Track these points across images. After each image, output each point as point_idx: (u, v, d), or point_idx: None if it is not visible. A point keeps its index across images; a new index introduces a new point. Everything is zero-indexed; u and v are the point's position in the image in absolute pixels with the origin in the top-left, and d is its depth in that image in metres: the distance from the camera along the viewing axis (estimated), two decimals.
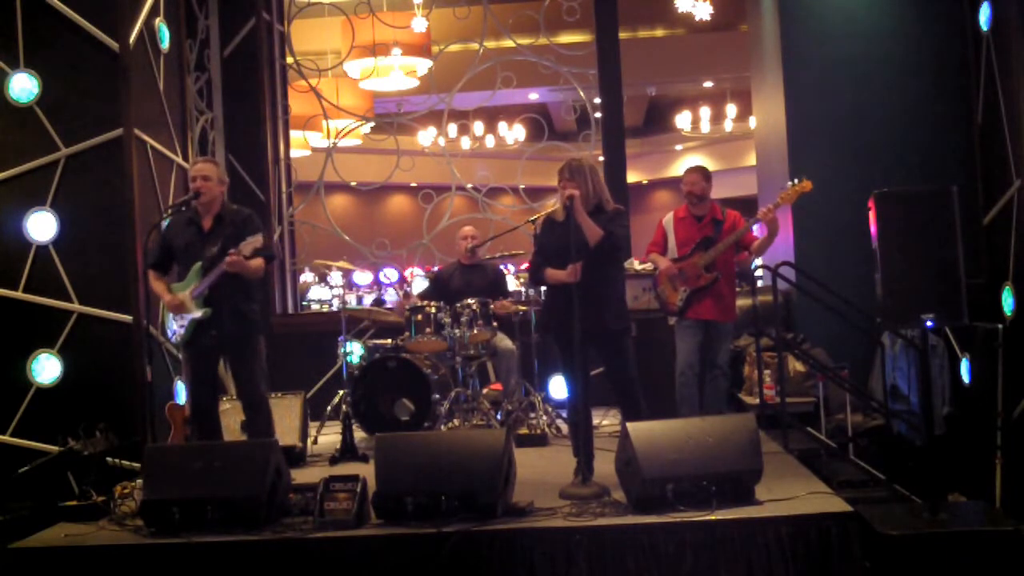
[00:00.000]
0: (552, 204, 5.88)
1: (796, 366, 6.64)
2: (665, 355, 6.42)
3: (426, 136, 13.71)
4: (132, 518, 4.56)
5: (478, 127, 15.88)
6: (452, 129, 14.31)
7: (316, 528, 4.22)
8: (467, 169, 9.70)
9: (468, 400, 6.41)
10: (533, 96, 14.27)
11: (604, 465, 4.77)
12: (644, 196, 21.58)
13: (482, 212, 8.65)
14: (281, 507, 4.45)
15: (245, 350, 5.20)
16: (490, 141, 17.12)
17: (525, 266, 9.04)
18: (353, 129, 9.31)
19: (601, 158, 8.52)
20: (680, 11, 9.98)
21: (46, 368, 5.72)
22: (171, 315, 5.20)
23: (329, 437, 6.79)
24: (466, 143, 15.92)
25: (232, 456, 4.54)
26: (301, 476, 5.23)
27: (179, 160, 6.47)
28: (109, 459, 5.45)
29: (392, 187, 17.73)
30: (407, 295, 8.34)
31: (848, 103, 7.34)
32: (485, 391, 6.81)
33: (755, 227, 6.02)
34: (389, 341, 6.90)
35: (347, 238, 8.79)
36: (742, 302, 6.57)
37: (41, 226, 5.75)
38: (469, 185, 8.71)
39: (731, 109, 16.54)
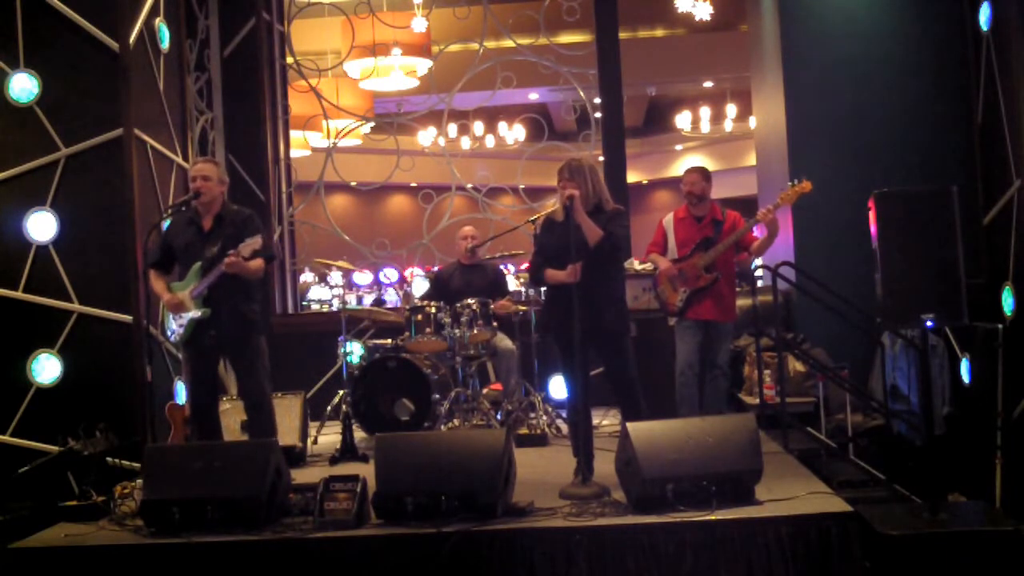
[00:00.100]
0: (552, 204, 5.88)
1: (796, 366, 6.64)
2: (665, 355, 6.43)
3: (426, 136, 13.71)
4: (132, 518, 4.55)
5: (478, 127, 15.88)
6: (452, 129, 14.31)
7: (316, 528, 4.22)
8: (467, 169, 9.70)
9: (468, 400, 6.42)
10: (533, 96, 14.26)
11: (604, 465, 4.77)
12: (644, 196, 21.58)
13: (482, 212, 8.65)
14: (281, 507, 4.45)
15: (245, 350, 5.20)
16: (490, 141, 17.12)
17: (525, 266, 9.04)
18: (353, 129, 9.31)
19: (601, 158, 8.51)
20: (680, 11, 9.98)
21: (46, 368, 5.72)
22: (171, 314, 5.20)
23: (329, 437, 6.79)
24: (466, 143, 15.92)
25: (232, 456, 4.54)
26: (301, 476, 5.23)
27: (179, 160, 6.47)
28: (109, 459, 5.45)
29: (392, 187, 17.72)
30: (407, 296, 8.34)
31: (848, 103, 7.34)
32: (485, 391, 6.81)
33: (755, 228, 6.02)
34: (389, 341, 6.90)
35: (347, 238, 8.79)
36: (742, 302, 6.57)
37: (41, 226, 5.75)
38: (469, 185, 8.71)
39: (731, 109, 16.54)
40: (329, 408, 7.09)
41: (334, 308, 13.28)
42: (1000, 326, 5.77)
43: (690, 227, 6.07)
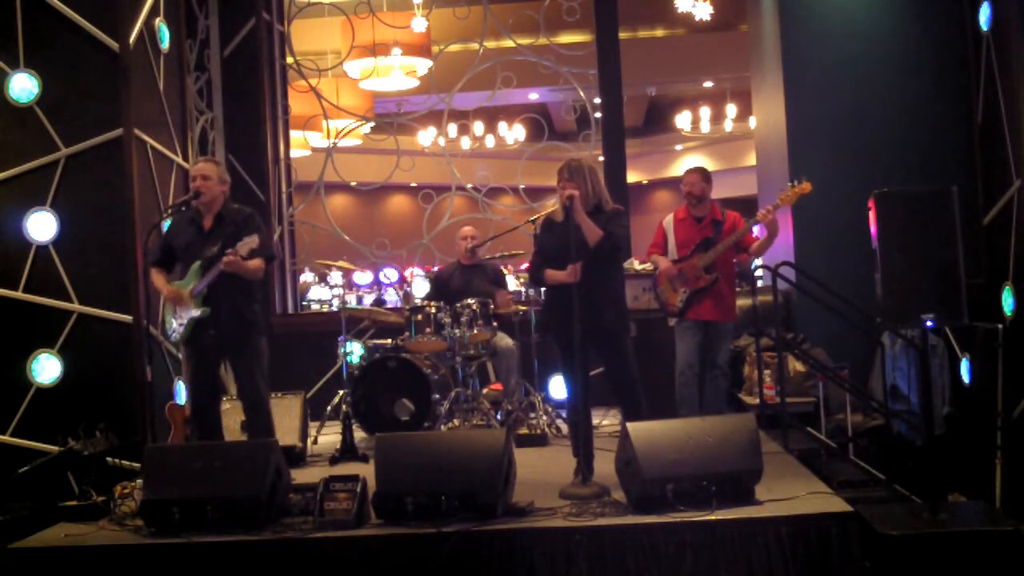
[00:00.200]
0: (552, 204, 5.88)
1: (796, 366, 6.64)
2: (665, 355, 6.43)
3: (426, 136, 13.71)
4: (132, 518, 4.55)
5: (478, 127, 15.88)
6: (452, 129, 14.31)
7: (316, 528, 4.22)
8: (467, 169, 9.70)
9: (468, 400, 6.42)
10: (533, 96, 14.26)
11: (604, 465, 4.77)
12: (644, 196, 21.58)
13: (482, 212, 8.65)
14: (281, 507, 4.45)
15: (245, 350, 5.19)
16: (490, 141, 17.12)
17: (525, 266, 9.04)
18: (353, 129, 9.31)
19: (601, 158, 8.51)
20: (680, 11, 9.98)
21: (46, 368, 5.72)
22: (171, 314, 5.20)
23: (329, 437, 6.79)
24: (466, 143, 15.92)
25: (232, 456, 4.54)
26: (301, 476, 5.23)
27: (179, 160, 6.47)
28: (109, 459, 5.45)
29: (392, 187, 17.73)
30: (407, 296, 8.35)
31: (848, 103, 7.34)
32: (485, 391, 6.81)
33: (755, 228, 6.02)
34: (389, 341, 6.90)
35: (347, 238, 8.79)
36: (742, 302, 6.57)
37: (41, 226, 5.75)
38: (469, 185, 8.71)
39: (731, 109, 16.54)
40: (329, 408, 7.09)
41: (334, 308, 13.28)
42: (1000, 326, 5.77)
43: (690, 228, 6.07)
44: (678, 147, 20.72)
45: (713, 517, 4.10)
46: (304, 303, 13.72)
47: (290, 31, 8.71)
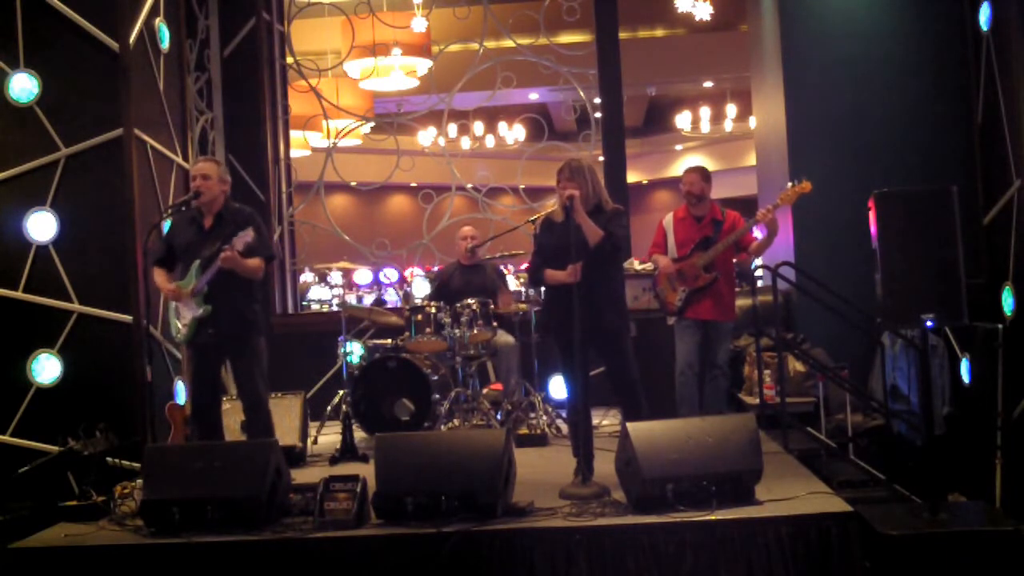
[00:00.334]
0: (552, 204, 5.88)
1: (796, 366, 6.64)
2: (665, 355, 6.42)
3: (426, 136, 13.71)
4: (132, 518, 4.56)
5: (478, 127, 15.87)
6: (452, 129, 14.30)
7: (316, 528, 4.23)
8: (467, 169, 9.70)
9: (468, 400, 6.41)
10: (533, 96, 14.26)
11: (604, 465, 4.77)
12: (644, 196, 21.58)
13: (482, 212, 8.64)
14: (281, 507, 4.45)
15: (245, 349, 5.20)
16: (490, 141, 17.12)
17: (525, 266, 9.04)
18: (353, 129, 9.31)
19: (601, 158, 8.52)
20: (680, 11, 9.97)
21: (46, 368, 5.72)
22: (175, 315, 5.20)
23: (329, 437, 6.79)
24: (466, 143, 15.92)
25: (232, 456, 4.54)
26: (301, 476, 5.23)
27: (179, 160, 6.47)
28: (109, 459, 5.45)
29: (392, 187, 17.72)
30: (407, 296, 8.35)
31: (848, 103, 7.33)
32: (485, 391, 6.81)
33: (755, 228, 6.02)
34: (389, 341, 6.90)
35: (347, 238, 8.79)
36: (742, 302, 6.57)
37: (41, 226, 5.75)
38: (469, 185, 8.70)
39: (731, 109, 16.54)
40: (329, 408, 7.09)
41: (334, 308, 13.28)
42: (1000, 326, 5.77)
43: (690, 227, 6.07)
44: (678, 147, 20.72)
45: (713, 517, 4.10)
46: (304, 303, 13.71)
47: (290, 31, 8.70)
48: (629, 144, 9.66)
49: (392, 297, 13.37)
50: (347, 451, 6.04)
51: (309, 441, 6.42)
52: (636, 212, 17.00)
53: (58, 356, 5.72)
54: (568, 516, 4.24)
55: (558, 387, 7.01)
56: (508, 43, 8.82)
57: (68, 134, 5.78)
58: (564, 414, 6.32)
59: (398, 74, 9.65)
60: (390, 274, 10.85)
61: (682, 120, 17.70)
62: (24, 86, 5.76)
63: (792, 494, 4.40)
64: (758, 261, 7.98)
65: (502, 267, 8.60)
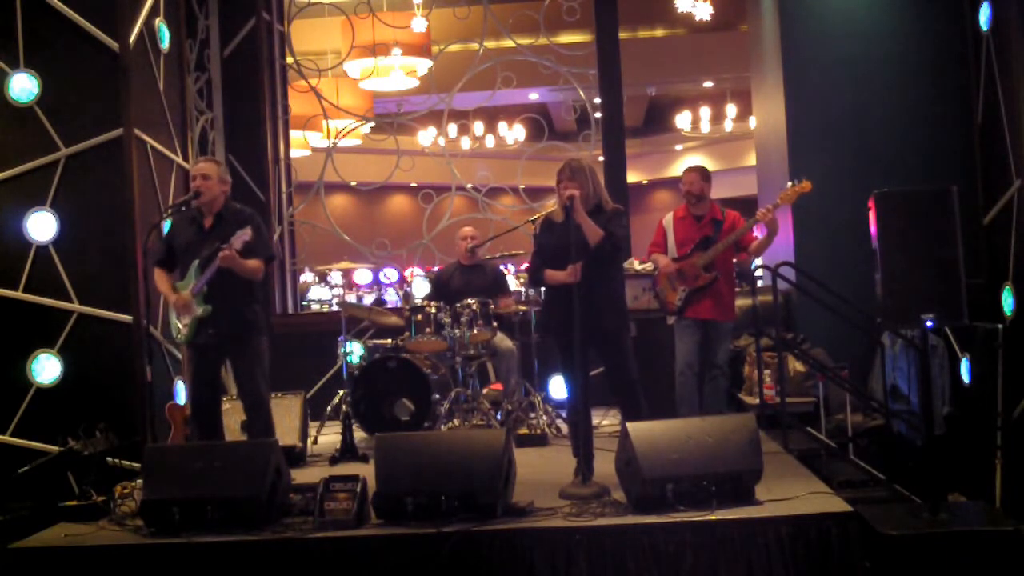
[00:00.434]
0: (552, 204, 5.88)
1: (796, 366, 6.64)
2: (665, 355, 6.42)
3: (426, 136, 13.71)
4: (132, 518, 4.56)
5: (478, 127, 15.88)
6: (452, 129, 14.31)
7: (316, 528, 4.23)
8: (467, 169, 9.70)
9: (468, 400, 6.41)
10: (533, 96, 14.27)
11: (604, 465, 4.77)
12: (644, 196, 21.59)
13: (482, 212, 8.64)
14: (281, 507, 4.45)
15: (245, 349, 5.19)
16: (490, 141, 17.12)
17: (525, 266, 9.04)
18: (353, 129, 9.31)
19: (601, 158, 8.51)
20: (680, 11, 9.99)
21: (46, 368, 5.72)
22: (176, 316, 5.20)
23: (329, 437, 6.79)
24: (466, 143, 15.92)
25: (232, 456, 4.54)
26: (301, 476, 5.23)
27: (179, 160, 6.47)
28: (109, 459, 5.45)
29: (392, 187, 17.74)
30: (407, 296, 8.35)
31: (848, 103, 7.34)
32: (485, 391, 6.81)
33: (754, 227, 6.02)
34: (389, 341, 6.90)
35: (347, 238, 8.79)
36: (742, 302, 6.57)
37: (41, 226, 5.75)
38: (469, 185, 8.70)
39: (731, 109, 16.54)
40: (329, 408, 7.09)
41: (334, 308, 13.28)
42: (1000, 326, 5.77)
43: (689, 226, 6.07)
44: (678, 147, 20.73)
45: (713, 517, 4.10)
46: (304, 303, 13.72)
47: (290, 31, 8.70)
48: (629, 144, 9.66)
49: (392, 297, 13.38)
50: (347, 451, 6.04)
51: (309, 441, 6.42)
52: (636, 212, 17.01)
53: (58, 356, 5.72)
54: (568, 516, 4.24)
55: (558, 387, 7.01)
56: (508, 43, 8.82)
57: (68, 134, 5.78)
58: (564, 414, 6.32)
59: (398, 74, 9.66)
60: (390, 274, 10.87)
61: (682, 120, 17.71)
62: (24, 86, 5.76)
63: (792, 494, 4.40)
64: (758, 261, 7.99)
65: (502, 267, 8.61)
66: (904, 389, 6.40)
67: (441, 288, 7.09)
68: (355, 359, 6.99)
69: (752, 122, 11.69)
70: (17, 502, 5.19)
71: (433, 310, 6.44)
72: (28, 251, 5.74)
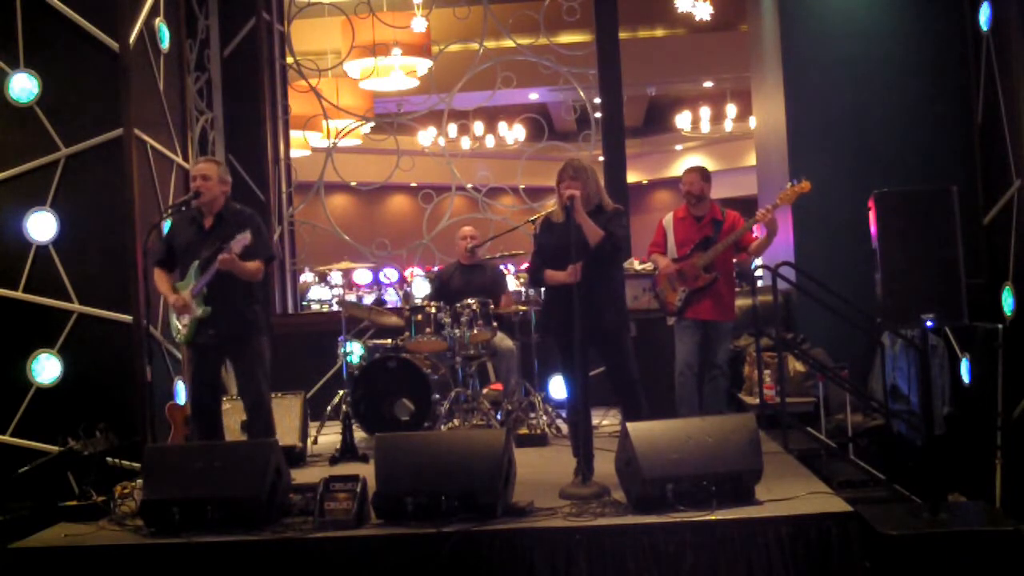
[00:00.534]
0: (552, 204, 5.88)
1: (796, 366, 6.64)
2: (665, 355, 6.42)
3: (426, 136, 13.71)
4: (132, 518, 4.55)
5: (478, 127, 15.88)
6: (452, 129, 14.31)
7: (316, 528, 4.23)
8: (467, 169, 9.70)
9: (468, 400, 6.41)
10: (533, 96, 14.27)
11: (604, 465, 4.77)
12: (644, 196, 21.59)
13: (482, 212, 8.64)
14: (281, 507, 4.45)
15: (245, 350, 5.19)
16: (490, 141, 17.12)
17: (525, 266, 9.05)
18: (353, 129, 9.31)
19: (601, 158, 8.51)
20: (680, 11, 9.99)
21: (46, 368, 5.72)
22: (175, 315, 5.20)
23: (329, 437, 6.78)
24: (466, 143, 15.92)
25: (232, 456, 4.54)
26: (301, 476, 5.23)
27: (179, 160, 6.47)
28: (109, 459, 5.45)
29: (392, 187, 17.73)
30: (407, 296, 8.35)
31: (848, 103, 7.33)
32: (485, 391, 6.81)
33: (754, 227, 6.02)
34: (389, 341, 6.90)
35: (347, 238, 8.79)
36: (742, 302, 6.57)
37: (41, 226, 5.75)
38: (469, 185, 8.71)
39: (731, 109, 16.54)
40: (329, 408, 7.09)
41: (334, 308, 13.28)
42: (1000, 326, 5.77)
43: (690, 227, 6.07)
44: (678, 147, 20.73)
45: (713, 517, 4.10)
46: (304, 303, 13.72)
47: (290, 31, 8.70)
48: (629, 144, 9.66)
49: (392, 297, 13.38)
50: (347, 451, 6.04)
51: (309, 441, 6.42)
52: (636, 212, 17.01)
53: (58, 356, 5.72)
54: (568, 516, 4.24)
55: (558, 387, 7.01)
56: (508, 43, 8.82)
57: (68, 134, 5.78)
58: (564, 414, 6.32)
59: (398, 74, 9.66)
60: (390, 274, 10.86)
61: (682, 120, 17.71)
62: (24, 86, 5.76)
63: (792, 494, 4.40)
64: (758, 261, 7.99)
65: (502, 267, 8.61)
66: (904, 389, 6.40)
67: (441, 288, 7.09)
68: (355, 359, 6.99)
69: (752, 122, 11.69)
70: (17, 502, 5.19)
71: (433, 310, 6.44)
72: (28, 251, 5.74)
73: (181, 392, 6.12)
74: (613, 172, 8.32)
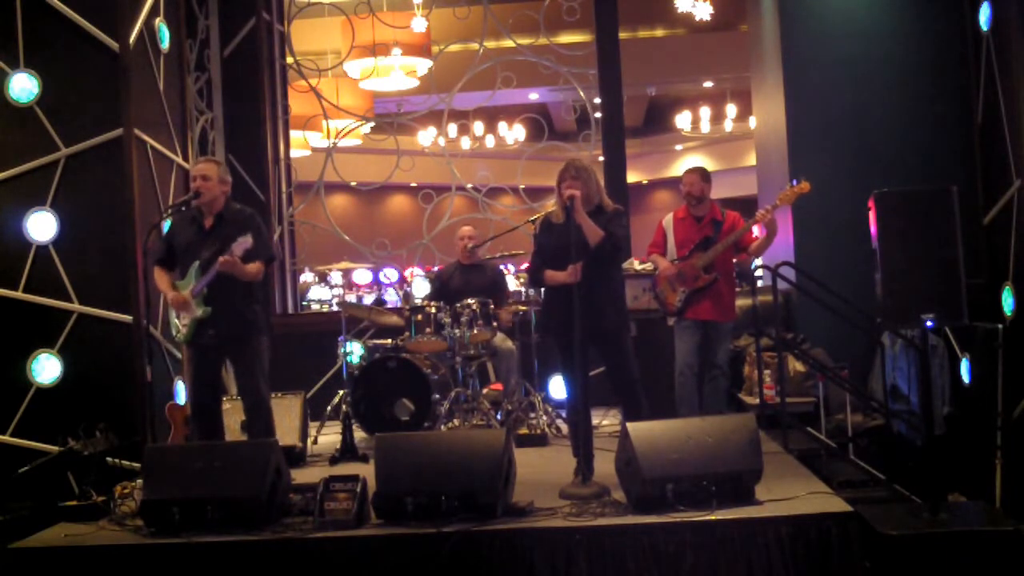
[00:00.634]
0: (551, 204, 5.89)
1: (796, 366, 6.64)
2: (665, 355, 6.42)
3: (426, 136, 13.71)
4: (132, 518, 4.55)
5: (478, 127, 15.88)
6: (452, 129, 14.31)
7: (316, 528, 4.23)
8: (467, 169, 9.70)
9: (468, 400, 6.41)
10: (533, 96, 14.27)
11: (604, 465, 4.77)
12: (644, 196, 21.59)
13: (482, 212, 8.64)
14: (281, 507, 4.45)
15: (245, 350, 5.19)
16: (490, 141, 17.12)
17: (525, 266, 9.04)
18: (353, 129, 9.31)
19: (601, 158, 8.52)
20: (680, 11, 9.99)
21: (46, 368, 5.72)
22: (175, 315, 5.20)
23: (329, 437, 6.79)
24: (466, 143, 15.93)
25: (232, 456, 4.54)
26: (301, 476, 5.23)
27: (179, 160, 6.47)
28: (109, 459, 5.45)
29: (392, 187, 17.74)
30: (407, 296, 8.34)
31: (848, 103, 7.34)
32: (485, 391, 6.81)
33: (754, 228, 6.02)
34: (389, 341, 6.90)
35: (347, 238, 8.79)
36: (742, 302, 6.57)
37: (41, 226, 5.75)
38: (469, 185, 8.71)
39: (731, 109, 16.54)
40: (329, 408, 7.09)
41: (334, 308, 13.28)
42: (1000, 326, 5.77)
43: (689, 227, 6.07)
44: (678, 147, 20.73)
45: (713, 517, 4.10)
46: (304, 303, 13.73)
47: (290, 31, 8.70)
48: (629, 144, 9.66)
49: (392, 297, 13.39)
50: (347, 451, 6.04)
51: (309, 441, 6.42)
52: (636, 212, 17.01)
53: (58, 356, 5.72)
54: (568, 516, 4.24)
55: (558, 387, 7.01)
56: (508, 43, 8.82)
57: (68, 134, 5.78)
58: (564, 414, 6.32)
59: (398, 74, 9.66)
60: (390, 274, 10.86)
61: (682, 120, 17.71)
62: (24, 86, 5.76)
63: (792, 494, 4.40)
64: (758, 261, 7.98)
65: (502, 267, 8.60)
66: (904, 389, 6.40)
67: (441, 288, 7.09)
68: (355, 359, 6.99)
69: (752, 122, 11.69)
70: (17, 502, 5.19)
71: (433, 310, 6.44)
72: (28, 251, 5.74)
73: (181, 392, 6.12)
74: (613, 172, 8.32)
